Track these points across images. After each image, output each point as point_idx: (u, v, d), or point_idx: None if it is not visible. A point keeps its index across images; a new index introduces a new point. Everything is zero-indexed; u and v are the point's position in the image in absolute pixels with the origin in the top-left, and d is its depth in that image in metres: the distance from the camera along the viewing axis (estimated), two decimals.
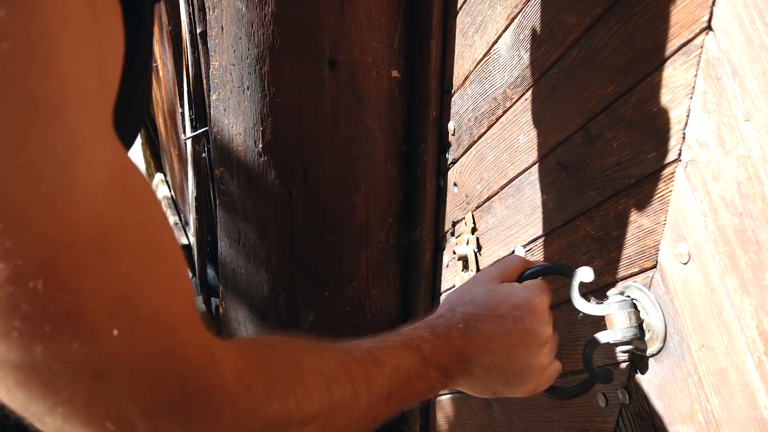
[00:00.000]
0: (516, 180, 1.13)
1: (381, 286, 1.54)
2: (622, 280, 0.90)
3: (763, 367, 0.68)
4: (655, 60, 0.78)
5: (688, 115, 0.74)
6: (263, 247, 1.44)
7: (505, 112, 1.13)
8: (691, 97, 0.73)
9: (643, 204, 0.84)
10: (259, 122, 1.32)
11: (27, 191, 0.35)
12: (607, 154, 0.88)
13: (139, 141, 3.66)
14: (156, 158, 3.40)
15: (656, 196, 0.81)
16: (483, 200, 1.25)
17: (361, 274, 1.50)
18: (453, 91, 1.30)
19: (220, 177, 1.44)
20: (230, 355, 0.49)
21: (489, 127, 1.18)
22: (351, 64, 1.29)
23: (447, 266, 1.45)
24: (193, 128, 1.64)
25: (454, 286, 1.44)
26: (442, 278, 1.48)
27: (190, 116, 1.64)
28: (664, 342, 0.81)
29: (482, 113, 1.20)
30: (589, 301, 0.83)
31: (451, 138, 1.33)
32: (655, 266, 0.83)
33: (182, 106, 1.74)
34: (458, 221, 1.36)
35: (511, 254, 1.17)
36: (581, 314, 0.85)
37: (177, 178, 2.67)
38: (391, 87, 1.36)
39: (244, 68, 1.29)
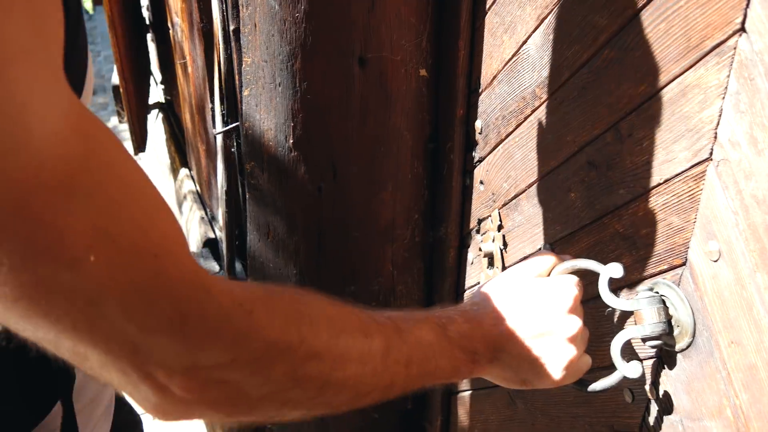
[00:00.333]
0: (544, 178, 1.14)
1: (406, 282, 1.56)
2: (650, 277, 0.91)
3: None
4: (687, 61, 0.79)
5: (720, 115, 0.76)
6: (292, 241, 1.47)
7: (533, 111, 1.14)
8: (724, 98, 0.75)
9: (672, 202, 0.85)
10: (290, 118, 1.34)
11: None
12: (637, 153, 0.90)
13: (163, 137, 3.70)
14: (181, 154, 3.43)
15: (686, 195, 0.82)
16: (510, 198, 1.26)
17: (387, 270, 1.52)
18: (480, 90, 1.32)
19: (251, 171, 1.47)
20: (228, 285, 0.53)
21: (517, 126, 1.20)
22: (380, 62, 1.31)
23: (471, 263, 1.47)
24: (225, 123, 1.67)
25: (478, 283, 1.46)
26: (467, 275, 1.50)
27: (221, 111, 1.66)
28: (693, 338, 0.82)
29: (510, 112, 1.21)
30: (618, 297, 0.84)
31: (478, 136, 1.35)
32: (684, 263, 0.84)
33: (212, 101, 1.76)
34: (484, 219, 1.38)
35: (538, 250, 1.19)
36: (609, 309, 0.86)
37: (204, 173, 2.69)
38: (419, 85, 1.37)
39: (276, 65, 1.31)
